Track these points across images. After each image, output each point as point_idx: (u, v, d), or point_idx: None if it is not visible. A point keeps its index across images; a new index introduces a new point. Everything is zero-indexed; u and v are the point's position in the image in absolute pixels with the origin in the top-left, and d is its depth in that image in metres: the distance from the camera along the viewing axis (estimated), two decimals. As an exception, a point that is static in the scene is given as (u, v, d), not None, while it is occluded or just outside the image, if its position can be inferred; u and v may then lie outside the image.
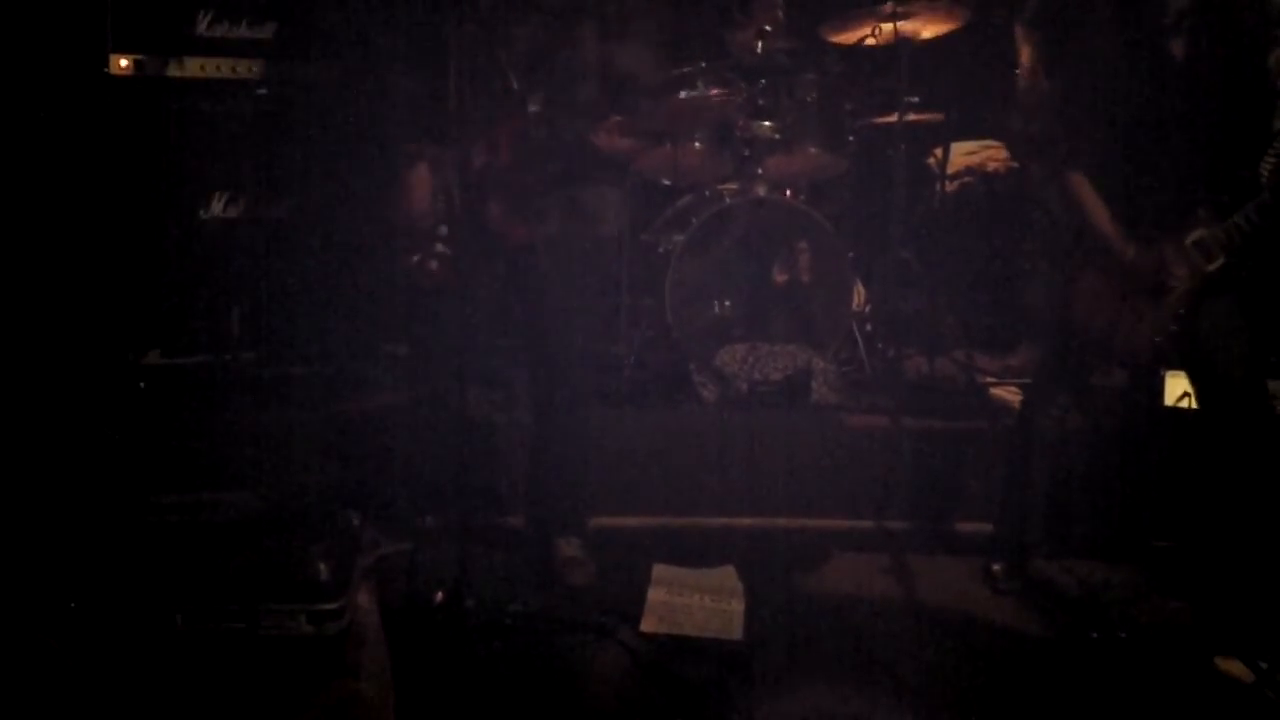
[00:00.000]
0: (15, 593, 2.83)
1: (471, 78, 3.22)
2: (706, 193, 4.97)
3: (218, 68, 4.10)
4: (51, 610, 2.79)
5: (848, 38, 4.99)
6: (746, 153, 4.91)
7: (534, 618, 3.28)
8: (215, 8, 4.08)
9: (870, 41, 4.87)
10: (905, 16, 4.73)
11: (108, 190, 3.98)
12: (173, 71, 4.04)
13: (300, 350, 4.25)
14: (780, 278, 4.89)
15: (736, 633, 3.31)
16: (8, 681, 2.65)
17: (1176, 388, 3.71)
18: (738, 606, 3.45)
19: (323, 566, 2.85)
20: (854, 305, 4.85)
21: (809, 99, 4.93)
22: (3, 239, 3.88)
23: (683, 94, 4.66)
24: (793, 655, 3.21)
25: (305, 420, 4.07)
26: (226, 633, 2.76)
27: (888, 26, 4.75)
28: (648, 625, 3.33)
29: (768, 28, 4.91)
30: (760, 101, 4.89)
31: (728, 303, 4.90)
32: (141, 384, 4.03)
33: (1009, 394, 4.64)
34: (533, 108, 3.36)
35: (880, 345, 4.91)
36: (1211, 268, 3.19)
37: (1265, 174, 3.12)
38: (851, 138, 5.09)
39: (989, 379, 4.78)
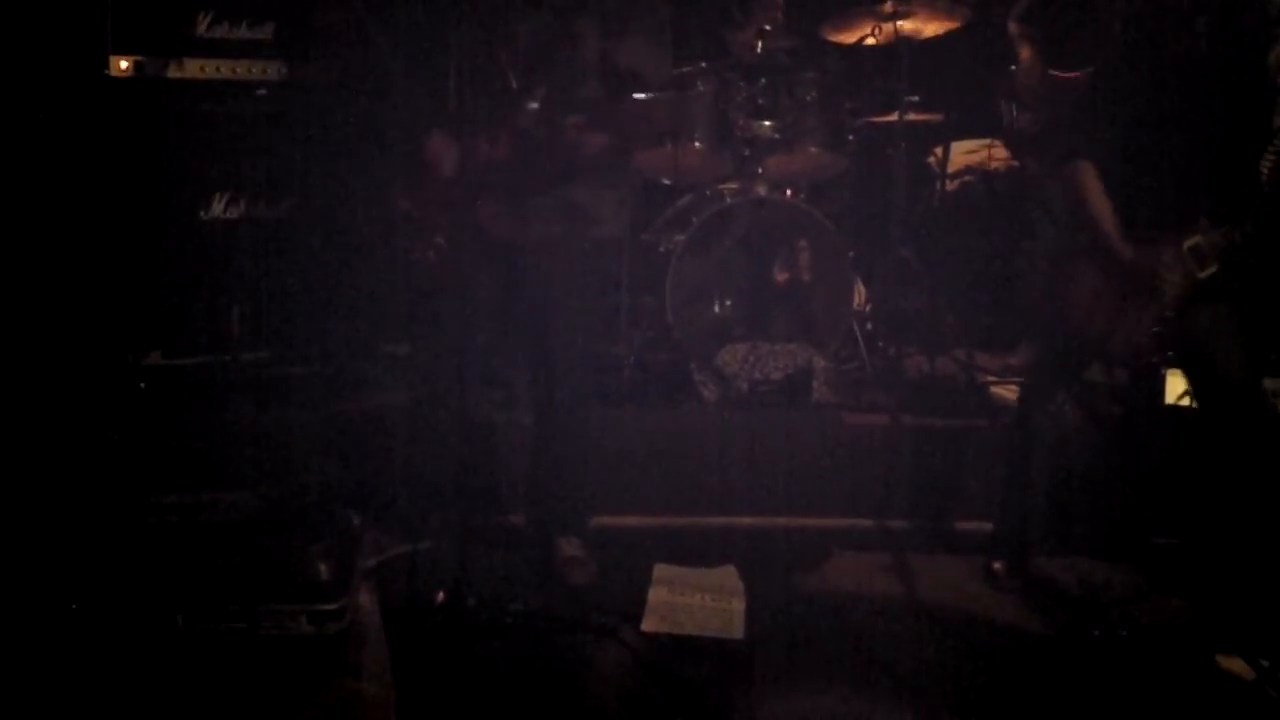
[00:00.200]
0: (17, 593, 2.83)
1: (471, 77, 3.23)
2: (707, 192, 4.97)
3: (218, 69, 4.10)
4: (53, 611, 2.80)
5: (848, 37, 4.99)
6: (747, 152, 4.91)
7: (535, 617, 3.28)
8: (215, 9, 4.08)
9: (870, 41, 4.87)
10: (905, 16, 4.73)
11: (108, 192, 3.98)
12: (173, 73, 4.04)
13: (301, 350, 4.25)
14: (781, 277, 4.89)
15: (737, 632, 3.31)
16: (9, 682, 2.65)
17: (1177, 386, 3.70)
18: (739, 606, 3.45)
19: (323, 567, 2.85)
20: (854, 304, 4.85)
21: (809, 98, 4.92)
22: (4, 240, 3.88)
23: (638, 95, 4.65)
24: (793, 654, 3.21)
25: (306, 420, 4.07)
26: (227, 633, 2.77)
27: (888, 26, 4.75)
28: (649, 624, 3.33)
29: (767, 27, 4.91)
30: (760, 101, 4.89)
31: (728, 302, 4.90)
32: (142, 384, 4.03)
33: (1009, 393, 4.64)
34: (530, 105, 3.35)
35: (881, 344, 4.90)
36: (1203, 274, 3.18)
37: (1265, 171, 3.12)
38: (852, 137, 5.09)
39: (989, 378, 4.78)
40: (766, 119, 4.89)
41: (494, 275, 3.53)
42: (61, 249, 3.96)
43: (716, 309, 4.89)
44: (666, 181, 5.11)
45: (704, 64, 4.89)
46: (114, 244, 4.00)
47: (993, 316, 5.19)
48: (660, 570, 3.67)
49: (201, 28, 4.08)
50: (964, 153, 5.30)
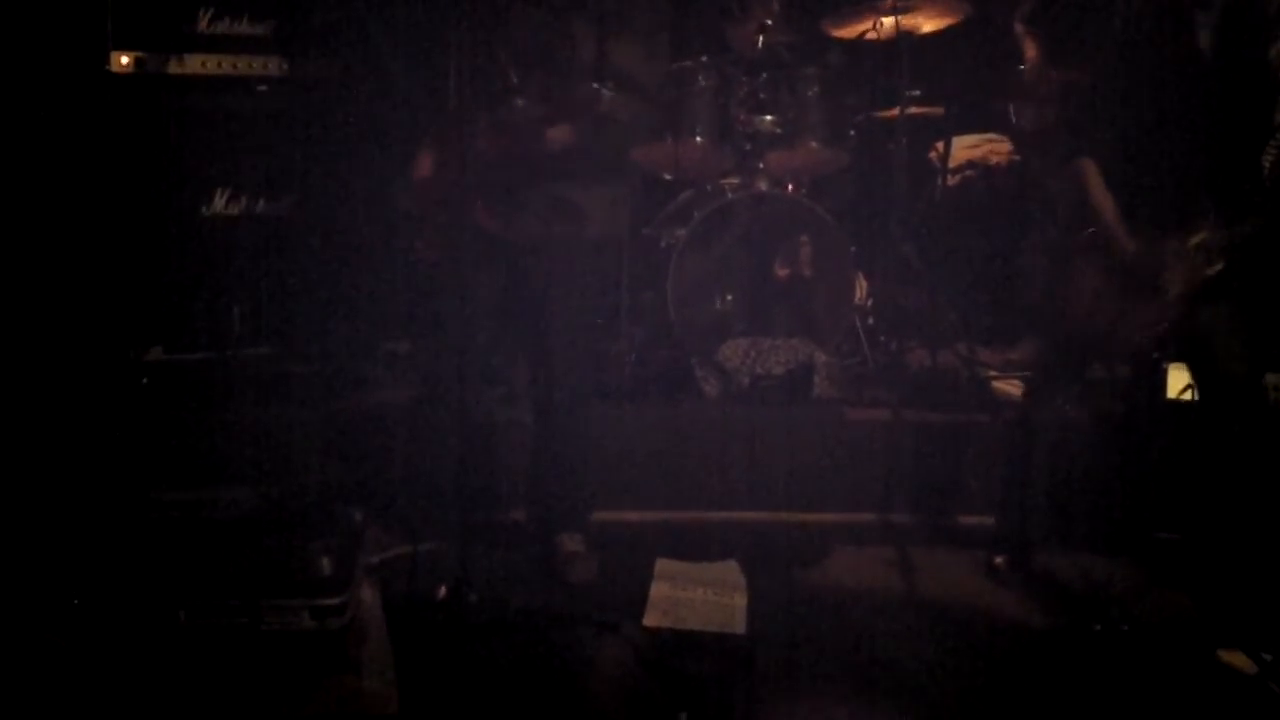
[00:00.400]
0: (19, 589, 2.83)
1: (471, 76, 3.22)
2: (708, 188, 4.97)
3: (219, 64, 4.10)
4: (55, 606, 2.80)
5: (849, 32, 4.99)
6: (748, 147, 4.91)
7: (536, 613, 3.28)
8: (216, 5, 4.08)
9: (871, 36, 4.87)
10: (906, 10, 4.72)
11: (110, 188, 3.99)
12: (174, 69, 4.04)
13: (302, 347, 4.25)
14: (782, 272, 4.89)
15: (739, 627, 3.31)
16: (11, 677, 2.66)
17: (1178, 380, 3.71)
18: (740, 601, 3.46)
19: (325, 562, 2.85)
20: (856, 299, 4.86)
21: (810, 93, 4.92)
22: (5, 236, 3.89)
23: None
24: (795, 649, 3.20)
25: (307, 417, 4.07)
26: (229, 628, 2.76)
27: (889, 20, 4.75)
28: (650, 620, 3.33)
29: (768, 22, 4.91)
30: (761, 96, 4.89)
31: (729, 297, 4.90)
32: (144, 380, 4.03)
33: (1011, 388, 4.64)
34: (520, 102, 3.35)
35: (882, 339, 4.90)
36: (1210, 271, 3.18)
37: (1266, 166, 3.12)
38: (853, 132, 5.09)
39: (991, 373, 4.78)
40: (767, 114, 4.88)
41: (492, 273, 3.53)
42: (63, 245, 3.96)
43: (718, 304, 4.89)
44: (667, 177, 5.10)
45: (705, 59, 4.89)
46: (116, 240, 4.00)
47: (994, 311, 5.19)
48: (662, 565, 3.67)
49: (203, 23, 4.08)
50: (965, 147, 5.30)
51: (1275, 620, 3.14)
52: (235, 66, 4.11)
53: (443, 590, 3.15)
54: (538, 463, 3.75)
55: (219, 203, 4.14)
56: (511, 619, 3.24)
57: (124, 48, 3.97)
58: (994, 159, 5.28)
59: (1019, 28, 4.82)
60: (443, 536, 3.48)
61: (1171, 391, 3.75)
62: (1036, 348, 4.80)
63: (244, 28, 4.13)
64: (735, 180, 4.95)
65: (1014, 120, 5.15)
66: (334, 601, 2.82)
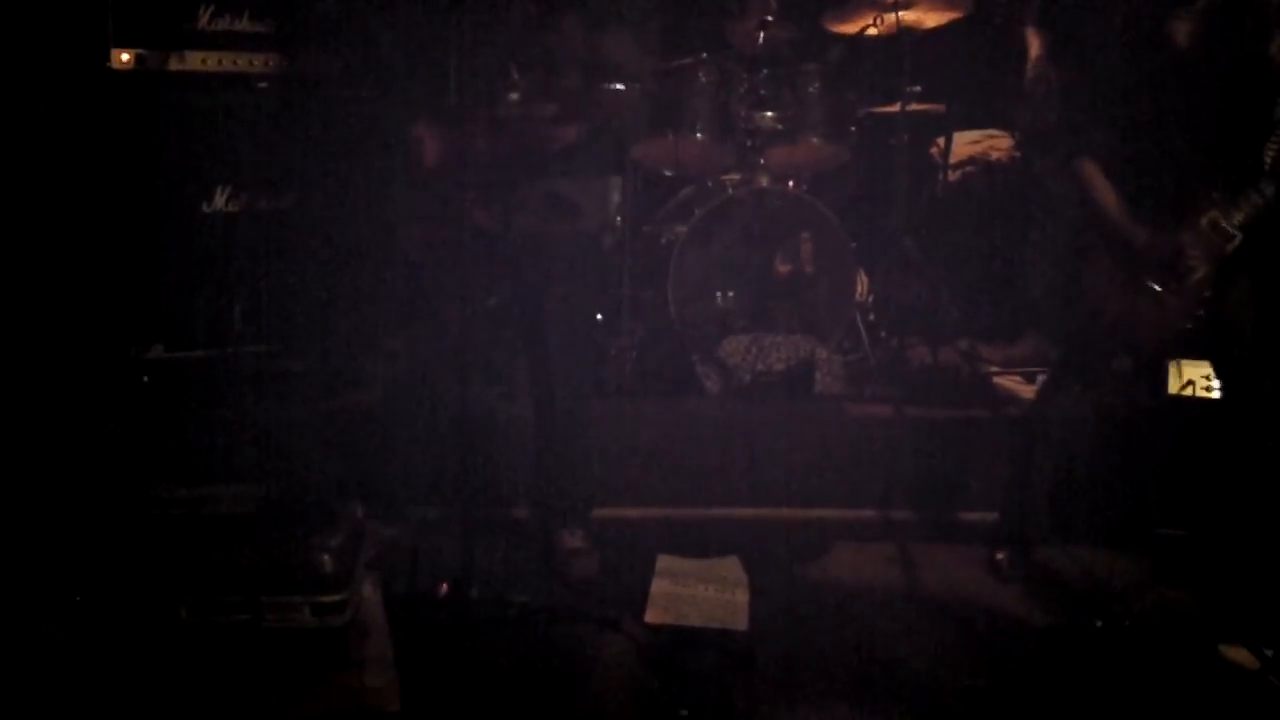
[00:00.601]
0: (20, 586, 2.83)
1: (471, 74, 3.22)
2: (709, 184, 4.97)
3: (219, 62, 4.09)
4: (56, 604, 2.80)
5: (849, 28, 4.99)
6: (749, 143, 4.91)
7: (538, 609, 3.28)
8: (216, 2, 4.08)
9: (872, 31, 4.87)
10: (907, 6, 4.72)
11: (110, 185, 3.98)
12: (174, 66, 4.04)
13: (303, 344, 4.25)
14: (783, 268, 4.89)
15: (740, 623, 3.31)
16: (13, 674, 2.66)
17: (1179, 376, 3.71)
18: (742, 597, 3.46)
19: (326, 559, 2.85)
20: (857, 295, 4.86)
21: (811, 89, 4.92)
22: (6, 234, 3.89)
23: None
24: (797, 645, 3.20)
25: (308, 414, 4.07)
26: (230, 625, 2.76)
27: (890, 16, 4.75)
28: (652, 616, 3.33)
29: (769, 18, 4.91)
30: (762, 92, 4.89)
31: (730, 294, 4.90)
32: (145, 378, 4.03)
33: (1012, 383, 4.64)
34: (515, 96, 3.35)
35: (883, 335, 4.90)
36: (1230, 247, 3.19)
37: (1268, 160, 3.13)
38: (854, 128, 5.08)
39: (992, 368, 4.78)
40: (768, 110, 4.88)
41: (488, 268, 3.53)
42: (64, 243, 3.96)
43: (719, 301, 4.88)
44: (668, 173, 5.10)
45: (705, 55, 4.88)
46: (116, 237, 4.00)
47: (996, 307, 5.18)
48: (663, 561, 3.67)
49: (203, 21, 4.08)
50: (966, 143, 5.29)
51: (1277, 615, 3.14)
52: (235, 64, 4.10)
53: (444, 587, 3.16)
54: (539, 459, 3.75)
55: (219, 200, 4.14)
56: (513, 616, 3.24)
57: (124, 45, 3.97)
58: (995, 155, 5.27)
59: (1026, 27, 4.81)
60: (444, 532, 3.48)
61: (1172, 387, 3.75)
62: (1039, 343, 4.82)
63: (244, 25, 4.13)
64: (736, 176, 4.95)
65: (1018, 117, 5.15)
66: (335, 598, 2.82)
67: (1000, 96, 5.24)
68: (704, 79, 4.85)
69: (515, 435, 3.99)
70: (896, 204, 4.95)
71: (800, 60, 4.99)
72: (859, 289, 4.88)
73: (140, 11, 3.98)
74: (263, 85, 4.15)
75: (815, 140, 4.94)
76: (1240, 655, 3.09)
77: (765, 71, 4.91)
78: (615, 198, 4.86)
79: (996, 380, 4.68)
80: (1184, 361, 3.76)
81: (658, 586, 3.51)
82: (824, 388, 4.46)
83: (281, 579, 2.81)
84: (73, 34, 3.95)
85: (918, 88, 4.90)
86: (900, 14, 4.72)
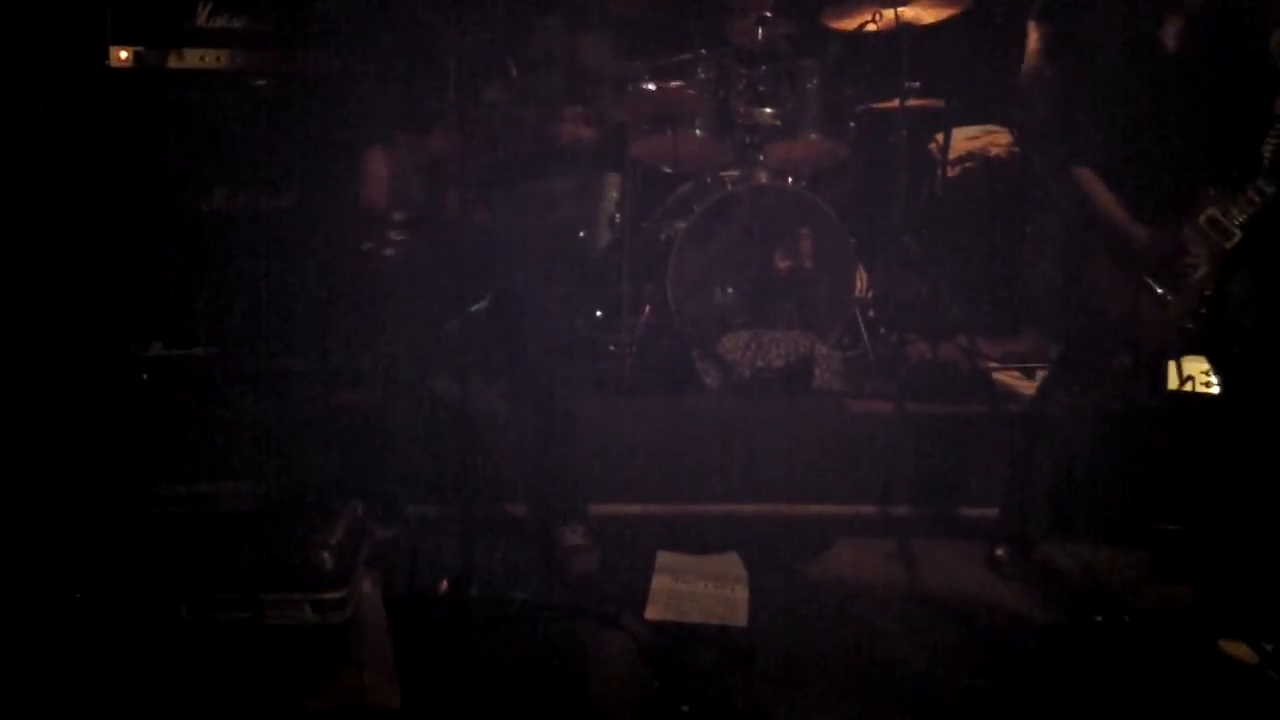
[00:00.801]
0: (20, 584, 2.83)
1: (471, 74, 3.22)
2: (708, 180, 4.97)
3: (218, 59, 4.08)
4: (56, 601, 2.80)
5: (848, 24, 4.99)
6: (748, 139, 4.91)
7: (538, 606, 3.28)
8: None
9: (871, 27, 4.86)
10: (905, 2, 4.72)
11: (109, 183, 3.98)
12: (173, 63, 4.03)
13: (302, 342, 4.24)
14: (782, 264, 4.89)
15: (741, 619, 3.31)
16: (13, 672, 2.66)
17: (1178, 371, 3.71)
18: (742, 593, 3.46)
19: (326, 556, 2.85)
20: (856, 291, 4.86)
21: (810, 85, 4.92)
22: (4, 231, 3.88)
23: (647, 84, 4.66)
24: (797, 642, 3.21)
25: (308, 412, 4.07)
26: (231, 623, 2.76)
27: (888, 12, 4.75)
28: (652, 612, 3.33)
29: (768, 14, 4.91)
30: (761, 88, 4.89)
31: (730, 290, 4.90)
32: (144, 376, 4.03)
33: (1012, 379, 4.65)
34: (512, 95, 3.36)
35: (883, 331, 4.91)
36: (1230, 244, 3.20)
37: (1267, 155, 3.13)
38: (853, 124, 5.09)
39: (992, 364, 4.78)
40: (767, 106, 4.89)
41: (478, 266, 3.53)
42: (63, 240, 3.96)
43: (718, 297, 4.89)
44: (667, 170, 5.10)
45: (703, 52, 4.88)
46: (115, 235, 4.00)
47: (995, 303, 5.19)
48: (663, 558, 3.67)
49: (201, 18, 4.07)
50: (965, 139, 5.29)
51: (1276, 610, 3.14)
52: (234, 61, 4.10)
53: (444, 584, 3.15)
54: (538, 456, 3.75)
55: (219, 198, 4.13)
56: (513, 613, 3.24)
57: (123, 42, 3.96)
58: (994, 150, 5.27)
59: (1030, 26, 4.81)
60: (443, 531, 3.48)
61: (1172, 383, 3.75)
62: (1040, 341, 4.82)
63: (243, 22, 4.12)
64: (735, 173, 4.95)
65: (1015, 115, 5.15)
66: (335, 596, 2.82)
67: (999, 92, 5.24)
68: (702, 75, 4.84)
69: (514, 432, 3.98)
70: (895, 200, 4.95)
71: (799, 56, 5.00)
72: (858, 285, 4.88)
73: (139, 9, 3.97)
74: (261, 83, 4.15)
75: (814, 136, 4.94)
76: (1240, 650, 3.10)
77: (764, 68, 4.91)
78: (614, 194, 4.87)
79: (996, 376, 4.68)
80: (1183, 357, 3.76)
81: (658, 583, 3.51)
82: (823, 384, 4.47)
83: (281, 576, 2.81)
84: (71, 31, 3.94)
85: (916, 83, 4.90)
86: (899, 10, 4.73)
